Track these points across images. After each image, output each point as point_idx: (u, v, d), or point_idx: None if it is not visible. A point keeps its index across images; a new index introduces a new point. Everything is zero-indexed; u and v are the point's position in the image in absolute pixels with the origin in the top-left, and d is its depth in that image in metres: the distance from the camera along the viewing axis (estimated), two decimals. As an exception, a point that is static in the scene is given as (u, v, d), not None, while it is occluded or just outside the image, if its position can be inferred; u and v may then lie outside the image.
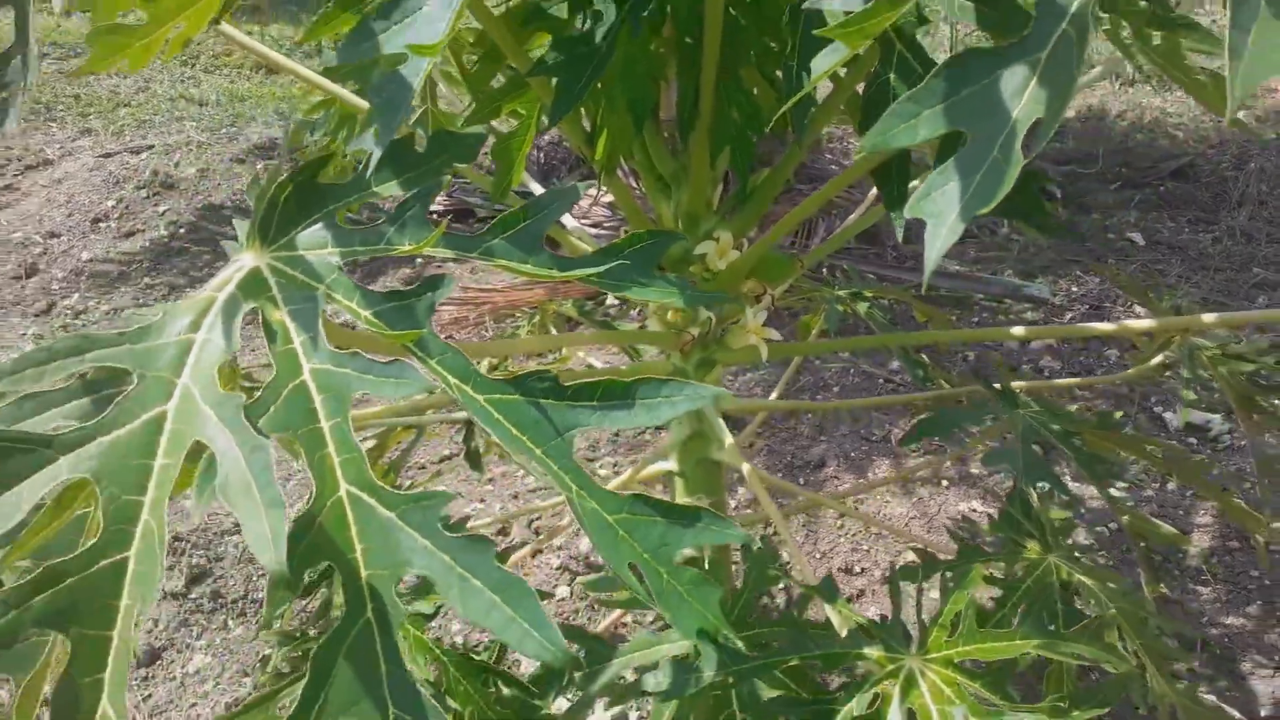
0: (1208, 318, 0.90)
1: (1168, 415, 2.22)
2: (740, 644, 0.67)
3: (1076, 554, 0.99)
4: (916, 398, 1.12)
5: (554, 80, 0.76)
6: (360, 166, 0.56)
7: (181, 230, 3.37)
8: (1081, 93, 4.71)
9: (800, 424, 2.17)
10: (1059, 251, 2.98)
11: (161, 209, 3.56)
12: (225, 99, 4.53)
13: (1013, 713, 0.61)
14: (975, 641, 0.67)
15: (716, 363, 1.05)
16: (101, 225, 3.55)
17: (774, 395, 1.35)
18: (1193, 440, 2.12)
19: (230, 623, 1.82)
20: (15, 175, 4.13)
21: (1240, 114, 4.32)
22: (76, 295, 3.08)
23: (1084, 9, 0.43)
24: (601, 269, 0.56)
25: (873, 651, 0.67)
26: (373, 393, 0.48)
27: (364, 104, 1.10)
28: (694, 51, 0.86)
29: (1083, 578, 0.88)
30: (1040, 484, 1.03)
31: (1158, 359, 1.15)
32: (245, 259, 0.55)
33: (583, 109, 0.89)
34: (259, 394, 0.48)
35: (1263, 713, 1.47)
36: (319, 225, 0.55)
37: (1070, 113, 4.41)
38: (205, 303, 0.51)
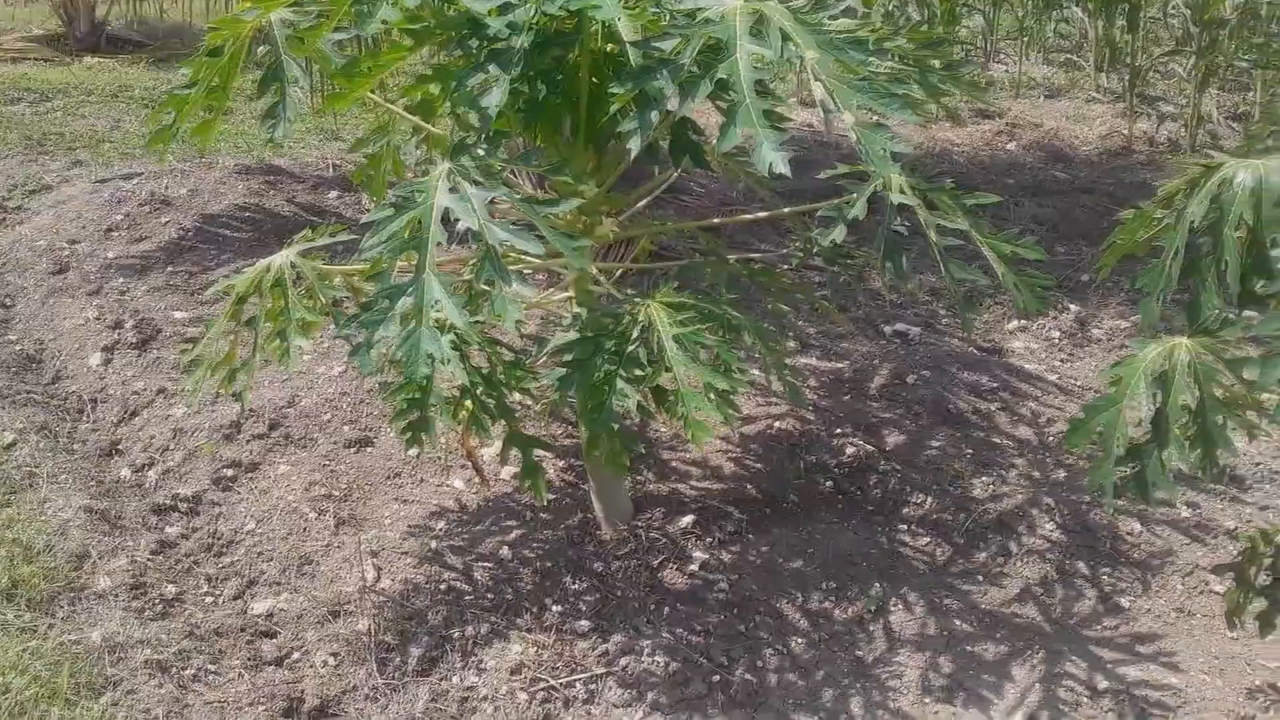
0: (788, 210, 2.46)
1: (896, 326, 3.81)
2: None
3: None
4: (679, 264, 2.65)
5: (521, 115, 2.26)
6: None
7: (189, 234, 4.73)
8: (894, 129, 6.46)
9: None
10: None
11: (164, 220, 4.91)
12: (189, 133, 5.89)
13: (690, 315, 2.12)
14: (668, 298, 2.17)
15: (591, 242, 2.56)
16: (114, 234, 4.87)
17: (629, 260, 2.88)
18: (897, 340, 3.71)
19: (295, 450, 3.20)
20: (23, 198, 5.42)
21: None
22: (119, 280, 4.41)
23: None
24: (543, 168, 2.06)
25: (634, 297, 2.18)
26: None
27: (421, 123, 2.58)
28: (578, 104, 2.37)
29: (739, 315, 2.39)
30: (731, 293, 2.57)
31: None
32: (445, 163, 2.02)
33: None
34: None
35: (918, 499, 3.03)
36: (466, 155, 2.03)
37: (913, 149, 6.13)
38: (440, 173, 1.99)
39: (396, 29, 2.27)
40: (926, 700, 2.23)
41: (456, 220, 1.98)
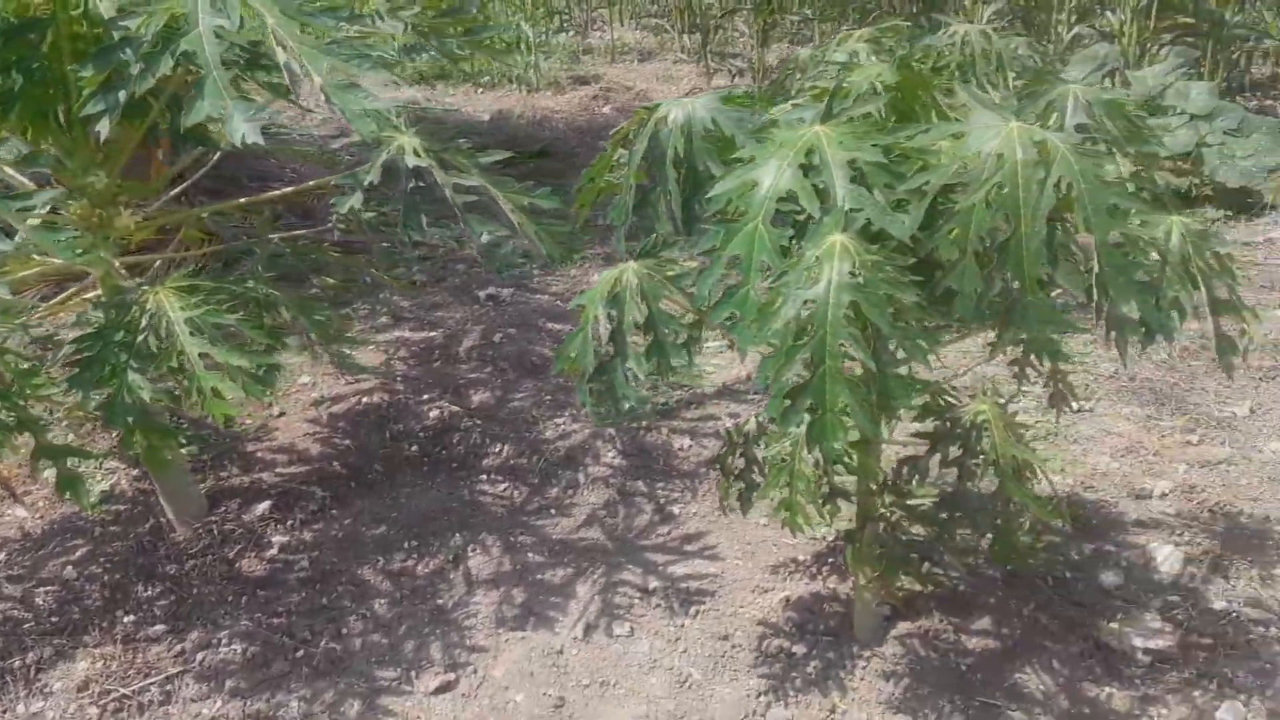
0: (313, 183, 2.47)
1: (489, 290, 3.93)
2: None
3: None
4: (219, 249, 2.61)
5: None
6: None
7: None
8: (499, 100, 6.60)
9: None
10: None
11: None
12: None
13: (204, 297, 2.10)
14: (178, 282, 2.14)
15: (111, 234, 2.45)
16: None
17: (176, 239, 2.78)
18: (490, 303, 3.84)
19: None
20: None
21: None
22: None
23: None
24: (9, 161, 1.96)
25: (143, 285, 2.12)
26: None
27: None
28: (67, 91, 2.25)
29: (274, 292, 2.39)
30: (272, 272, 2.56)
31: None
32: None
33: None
34: None
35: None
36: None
37: (485, 116, 6.25)
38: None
39: None
40: (500, 631, 2.36)
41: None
